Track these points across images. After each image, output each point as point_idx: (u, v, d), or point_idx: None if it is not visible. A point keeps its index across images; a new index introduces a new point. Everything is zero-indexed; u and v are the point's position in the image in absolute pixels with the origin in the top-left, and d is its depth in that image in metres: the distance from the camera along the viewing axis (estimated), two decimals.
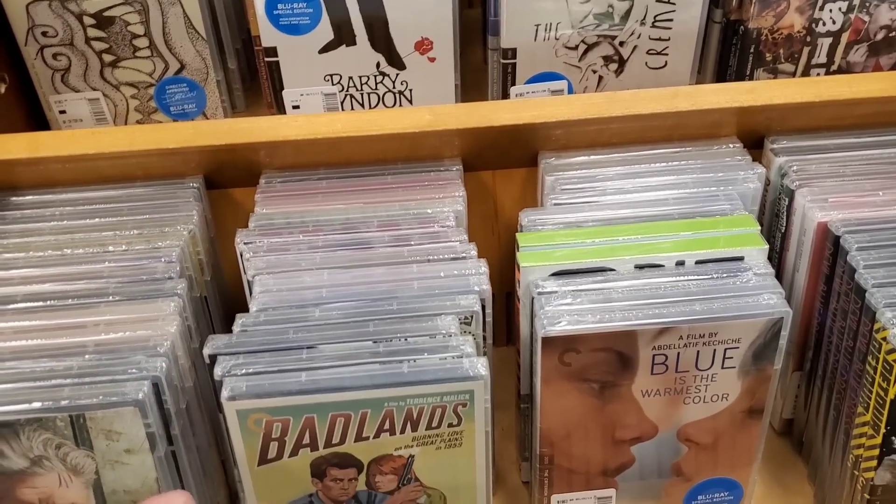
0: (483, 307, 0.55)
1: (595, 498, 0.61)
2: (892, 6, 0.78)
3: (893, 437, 0.53)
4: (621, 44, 0.79)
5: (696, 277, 0.55)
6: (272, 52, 0.77)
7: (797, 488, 0.66)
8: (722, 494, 0.62)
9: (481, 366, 0.50)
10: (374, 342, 0.52)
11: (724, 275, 0.55)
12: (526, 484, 0.67)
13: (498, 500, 0.66)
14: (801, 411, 0.67)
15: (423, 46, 0.77)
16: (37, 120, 0.84)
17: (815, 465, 0.65)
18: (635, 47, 0.79)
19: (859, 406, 0.55)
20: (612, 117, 0.63)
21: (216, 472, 0.62)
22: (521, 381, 0.61)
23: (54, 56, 0.79)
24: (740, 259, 0.56)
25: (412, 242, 0.59)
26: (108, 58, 0.80)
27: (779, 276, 0.58)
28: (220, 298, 0.67)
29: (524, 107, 0.64)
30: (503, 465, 0.68)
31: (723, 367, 0.55)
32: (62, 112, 0.82)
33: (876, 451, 0.54)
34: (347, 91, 0.79)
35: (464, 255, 0.58)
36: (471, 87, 0.83)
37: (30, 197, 0.64)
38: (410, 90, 0.80)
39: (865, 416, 0.54)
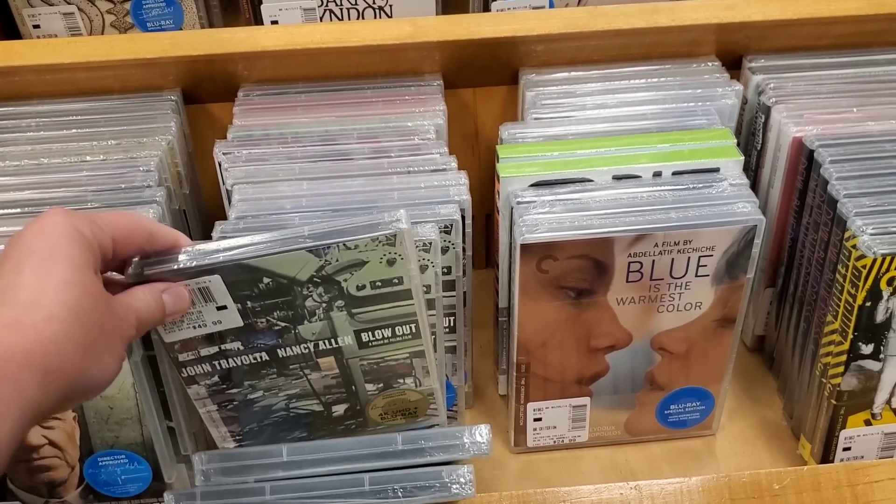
0: (463, 217, 0.55)
1: (570, 406, 0.62)
2: None
3: (860, 343, 0.55)
4: None
5: (672, 187, 0.56)
6: None
7: (767, 401, 0.68)
8: (694, 404, 0.63)
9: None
10: None
11: (700, 185, 0.56)
12: (503, 397, 0.68)
13: (476, 412, 0.68)
14: (772, 328, 0.68)
15: None
16: (10, 36, 0.82)
17: (784, 378, 0.67)
18: None
19: (828, 314, 0.56)
20: (592, 31, 0.63)
21: None
22: (500, 294, 0.62)
23: None
24: (716, 170, 0.57)
25: (392, 155, 0.59)
26: None
27: (754, 191, 0.58)
28: (199, 214, 0.67)
29: (505, 20, 0.63)
30: (481, 380, 0.69)
31: (696, 276, 0.56)
32: (36, 27, 0.81)
33: (843, 358, 0.56)
34: (326, 6, 0.78)
35: (444, 167, 0.58)
36: (452, 2, 0.82)
37: (4, 108, 0.63)
38: (391, 5, 0.79)
39: (834, 323, 0.56)
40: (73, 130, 0.62)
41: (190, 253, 0.46)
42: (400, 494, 0.47)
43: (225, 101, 0.65)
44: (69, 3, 0.80)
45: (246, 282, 0.47)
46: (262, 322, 0.48)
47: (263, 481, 0.48)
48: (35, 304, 0.37)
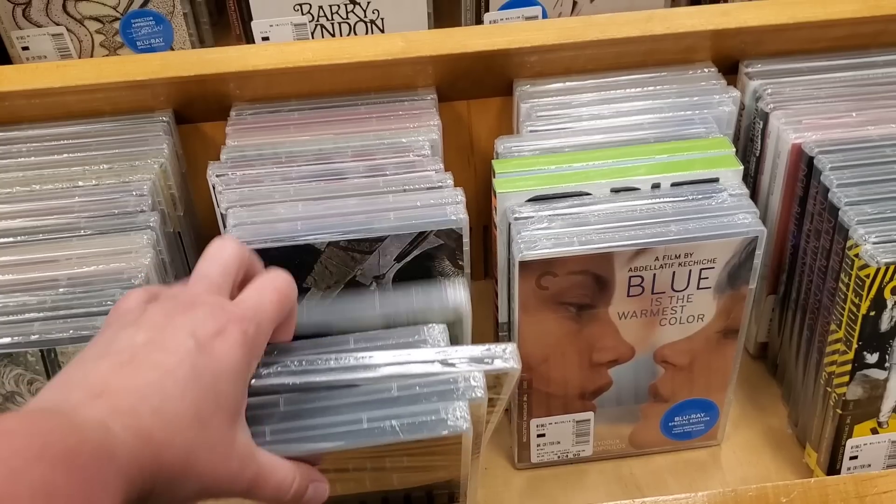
0: (460, 236, 0.55)
1: (573, 421, 0.61)
2: None
3: (865, 352, 0.54)
4: None
5: (671, 199, 0.55)
6: None
7: (771, 409, 0.67)
8: (698, 416, 0.63)
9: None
10: None
11: (700, 196, 0.55)
12: (506, 411, 0.67)
13: None
14: (775, 335, 0.68)
15: None
16: None
17: (788, 385, 0.66)
18: None
19: (832, 324, 0.56)
20: (586, 42, 0.62)
21: None
22: (499, 309, 0.62)
23: None
24: (715, 181, 0.56)
25: (387, 172, 0.58)
26: None
27: (753, 199, 0.58)
28: (194, 236, 0.66)
29: (498, 32, 0.63)
30: None
31: (698, 288, 0.55)
32: (25, 49, 0.80)
33: (848, 367, 0.55)
34: (318, 21, 0.78)
35: (440, 184, 0.57)
36: (444, 15, 0.82)
37: None
38: (382, 19, 0.78)
39: (838, 332, 0.55)
40: (65, 155, 0.61)
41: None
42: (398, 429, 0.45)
43: (217, 119, 0.65)
44: (57, 25, 0.79)
45: None
46: None
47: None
48: (168, 425, 0.37)
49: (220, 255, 0.43)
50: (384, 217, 0.55)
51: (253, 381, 0.43)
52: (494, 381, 0.45)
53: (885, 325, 0.53)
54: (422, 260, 0.54)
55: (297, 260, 0.51)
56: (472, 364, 0.44)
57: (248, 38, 0.78)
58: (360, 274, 0.52)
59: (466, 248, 0.56)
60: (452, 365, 0.44)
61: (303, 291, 0.50)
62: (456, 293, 0.49)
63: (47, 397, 0.37)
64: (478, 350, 0.45)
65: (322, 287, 0.52)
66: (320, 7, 0.77)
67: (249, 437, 0.41)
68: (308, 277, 0.51)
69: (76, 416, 0.35)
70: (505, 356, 0.44)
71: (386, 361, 0.44)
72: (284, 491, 0.41)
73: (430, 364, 0.44)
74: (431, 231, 0.53)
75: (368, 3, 0.77)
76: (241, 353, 0.39)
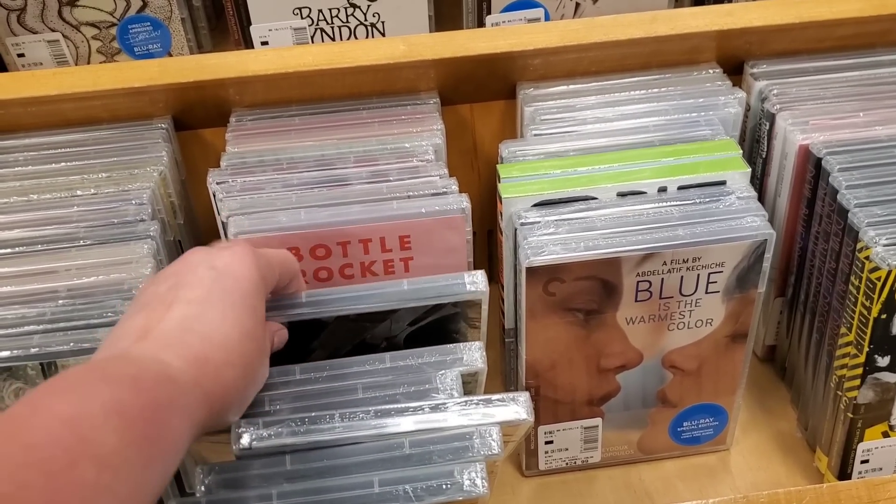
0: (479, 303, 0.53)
1: (581, 427, 0.61)
2: None
3: (876, 356, 0.54)
4: None
5: (678, 203, 0.54)
6: None
7: (780, 413, 0.66)
8: (707, 420, 0.62)
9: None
10: None
11: (707, 199, 0.54)
12: None
13: None
14: (783, 337, 0.67)
15: None
16: None
17: (797, 389, 0.65)
18: None
19: (842, 326, 0.55)
20: (590, 44, 0.62)
21: None
22: (506, 315, 0.61)
23: None
24: (722, 183, 0.55)
25: (391, 178, 0.58)
26: None
27: (760, 201, 0.57)
28: (195, 244, 0.65)
29: (501, 35, 0.62)
30: None
31: (707, 292, 0.54)
32: (20, 55, 0.79)
33: (859, 371, 0.54)
34: (317, 25, 0.77)
35: (444, 189, 0.57)
36: (445, 17, 0.81)
37: None
38: (383, 22, 0.77)
39: (849, 335, 0.54)
40: (63, 164, 0.60)
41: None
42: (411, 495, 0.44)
43: (217, 126, 0.64)
44: (53, 31, 0.78)
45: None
46: None
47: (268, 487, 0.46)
48: (222, 347, 0.39)
49: (276, 252, 0.47)
50: (397, 288, 0.50)
51: (255, 443, 0.43)
52: (509, 431, 0.44)
53: None
54: (436, 324, 0.51)
55: (303, 332, 0.49)
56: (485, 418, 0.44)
57: (247, 43, 0.78)
58: (369, 337, 0.51)
59: (485, 314, 0.51)
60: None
61: (309, 352, 0.50)
62: (472, 355, 0.48)
63: (95, 357, 0.39)
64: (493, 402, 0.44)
65: (329, 349, 0.51)
66: (320, 11, 0.77)
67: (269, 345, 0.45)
68: (314, 342, 0.50)
69: (129, 355, 0.38)
70: (518, 406, 0.44)
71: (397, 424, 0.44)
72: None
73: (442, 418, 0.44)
74: (449, 302, 0.50)
75: (369, 6, 0.77)
76: (252, 262, 0.42)
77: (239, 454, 0.43)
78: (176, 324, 0.39)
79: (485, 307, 0.50)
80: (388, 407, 0.44)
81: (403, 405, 0.44)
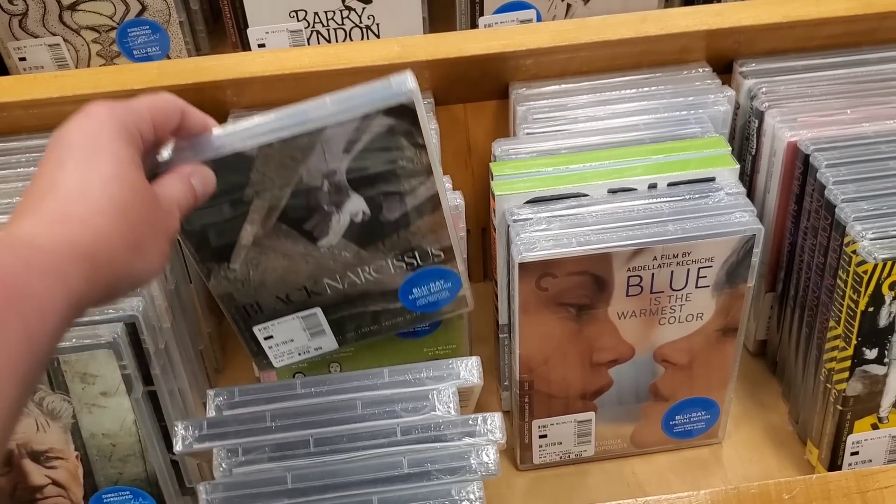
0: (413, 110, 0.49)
1: (575, 421, 0.62)
2: None
3: (864, 348, 0.55)
4: None
5: (668, 199, 0.55)
6: None
7: (772, 406, 0.67)
8: (699, 414, 0.63)
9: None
10: None
11: (697, 195, 0.55)
12: (507, 413, 0.68)
13: None
14: (773, 332, 0.68)
15: None
16: None
17: (788, 382, 0.66)
18: None
19: (831, 320, 0.56)
20: (581, 44, 0.63)
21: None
22: (500, 311, 0.62)
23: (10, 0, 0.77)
24: (712, 180, 0.56)
25: None
26: (66, 0, 0.78)
27: (750, 197, 0.58)
28: None
29: (494, 35, 0.63)
30: (483, 396, 0.69)
31: (697, 287, 0.55)
32: (22, 59, 0.80)
33: (848, 363, 0.55)
34: (313, 27, 0.78)
35: None
36: (438, 19, 0.82)
37: None
38: (377, 24, 0.79)
39: (837, 329, 0.55)
40: None
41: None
42: None
43: None
44: (54, 35, 0.80)
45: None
46: None
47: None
48: (81, 198, 0.37)
49: (144, 96, 0.43)
50: (319, 105, 0.47)
51: (255, 466, 0.46)
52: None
53: (883, 321, 0.53)
54: (375, 148, 0.48)
55: (228, 174, 0.46)
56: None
57: (245, 46, 0.79)
58: (306, 175, 0.47)
59: (423, 121, 0.47)
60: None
61: (244, 205, 0.47)
62: (468, 371, 0.52)
63: None
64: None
65: (268, 198, 0.47)
66: (316, 13, 0.78)
67: (155, 195, 0.41)
68: (247, 190, 0.46)
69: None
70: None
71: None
72: (188, 202, 0.43)
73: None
74: (378, 111, 0.46)
75: (364, 8, 0.78)
76: (102, 111, 0.40)
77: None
78: (33, 198, 0.37)
79: (420, 111, 0.46)
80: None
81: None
